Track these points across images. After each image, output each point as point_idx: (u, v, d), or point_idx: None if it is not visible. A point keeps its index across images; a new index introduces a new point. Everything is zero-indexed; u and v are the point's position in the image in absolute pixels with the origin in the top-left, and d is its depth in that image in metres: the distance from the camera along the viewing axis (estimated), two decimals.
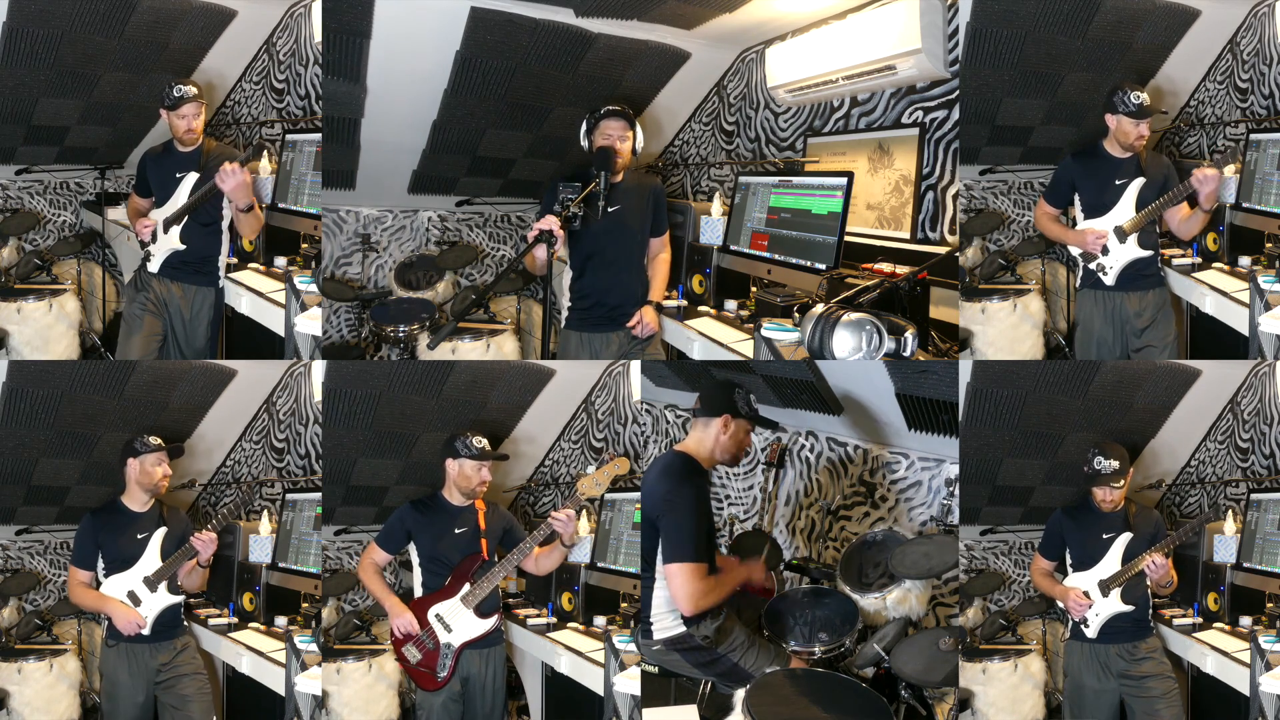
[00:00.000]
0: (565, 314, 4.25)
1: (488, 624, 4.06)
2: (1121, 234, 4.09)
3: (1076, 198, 4.20)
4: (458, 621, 4.03)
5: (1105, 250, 4.12)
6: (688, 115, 5.22)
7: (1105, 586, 3.99)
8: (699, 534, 3.44)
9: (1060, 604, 4.13)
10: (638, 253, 4.20)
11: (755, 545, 4.09)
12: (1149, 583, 4.00)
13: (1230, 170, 4.22)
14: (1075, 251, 4.21)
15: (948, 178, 4.20)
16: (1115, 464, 3.98)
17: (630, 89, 4.90)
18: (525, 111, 4.90)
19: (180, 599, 4.15)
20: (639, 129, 4.16)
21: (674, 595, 3.45)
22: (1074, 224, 4.24)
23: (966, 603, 4.46)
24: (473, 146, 5.10)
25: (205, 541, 4.06)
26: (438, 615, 4.04)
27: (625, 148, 4.08)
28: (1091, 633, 4.02)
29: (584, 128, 4.15)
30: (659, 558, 3.50)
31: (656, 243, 4.26)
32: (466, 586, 4.04)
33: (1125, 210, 4.09)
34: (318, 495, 4.49)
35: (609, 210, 3.97)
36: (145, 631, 4.10)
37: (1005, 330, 4.51)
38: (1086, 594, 4.02)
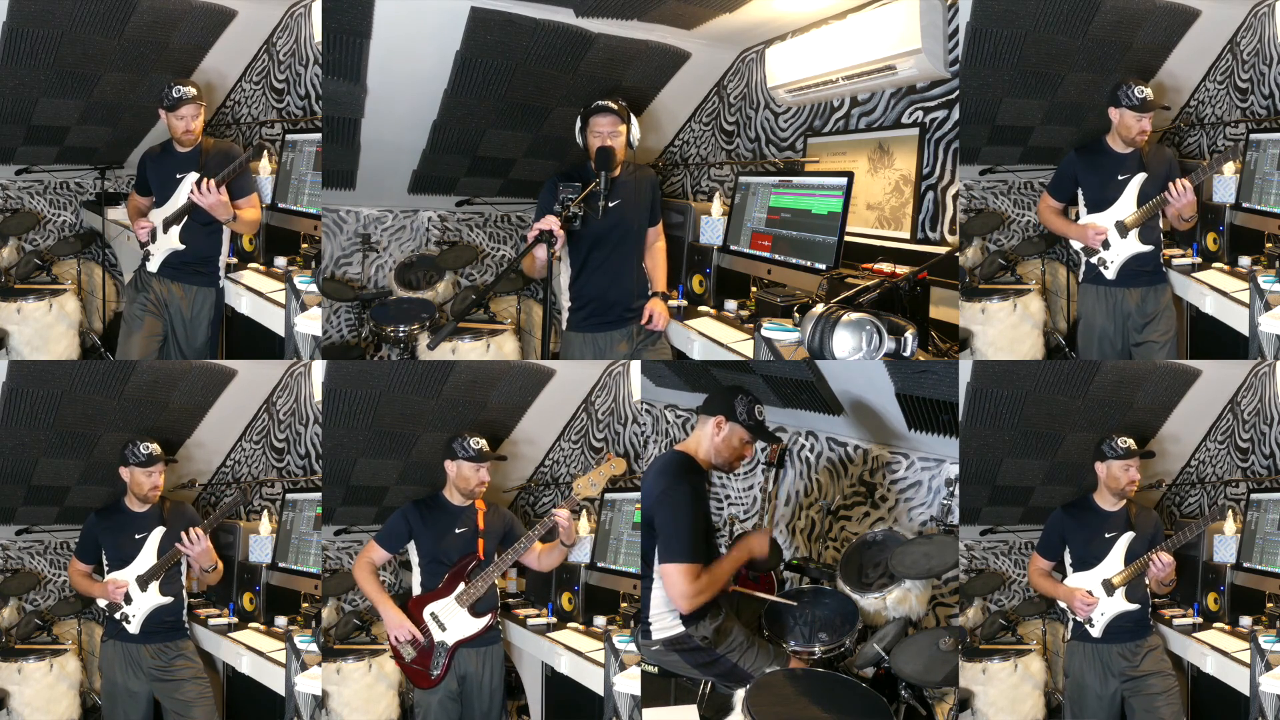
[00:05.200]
0: (565, 315, 4.24)
1: (482, 623, 4.06)
2: (1123, 229, 4.09)
3: (1080, 192, 4.20)
4: (452, 620, 4.04)
5: (1106, 245, 4.12)
6: (688, 115, 5.22)
7: (1110, 586, 3.99)
8: (693, 532, 3.43)
9: (1063, 605, 4.12)
10: (637, 248, 4.20)
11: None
12: (1151, 582, 4.00)
13: (1230, 169, 4.23)
14: (1077, 246, 4.21)
15: (948, 178, 4.20)
16: (1132, 442, 4.01)
17: (630, 89, 4.89)
18: (525, 111, 4.90)
19: (172, 600, 4.15)
20: (634, 123, 4.15)
21: (670, 596, 3.45)
22: (1077, 219, 4.24)
23: (966, 603, 4.45)
24: (473, 146, 5.10)
25: (191, 540, 4.06)
26: (433, 614, 4.05)
27: (619, 143, 4.06)
28: (1097, 632, 4.02)
29: (578, 125, 4.14)
30: (655, 556, 3.49)
31: (653, 232, 4.26)
32: (461, 585, 4.04)
33: (1127, 205, 4.10)
34: (318, 495, 4.49)
35: (608, 207, 3.97)
36: (133, 630, 4.11)
37: (1005, 330, 4.51)
38: (1090, 593, 4.02)
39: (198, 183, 4.08)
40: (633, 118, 4.15)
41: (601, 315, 4.16)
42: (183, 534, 4.08)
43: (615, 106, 4.07)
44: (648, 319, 4.13)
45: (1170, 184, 3.97)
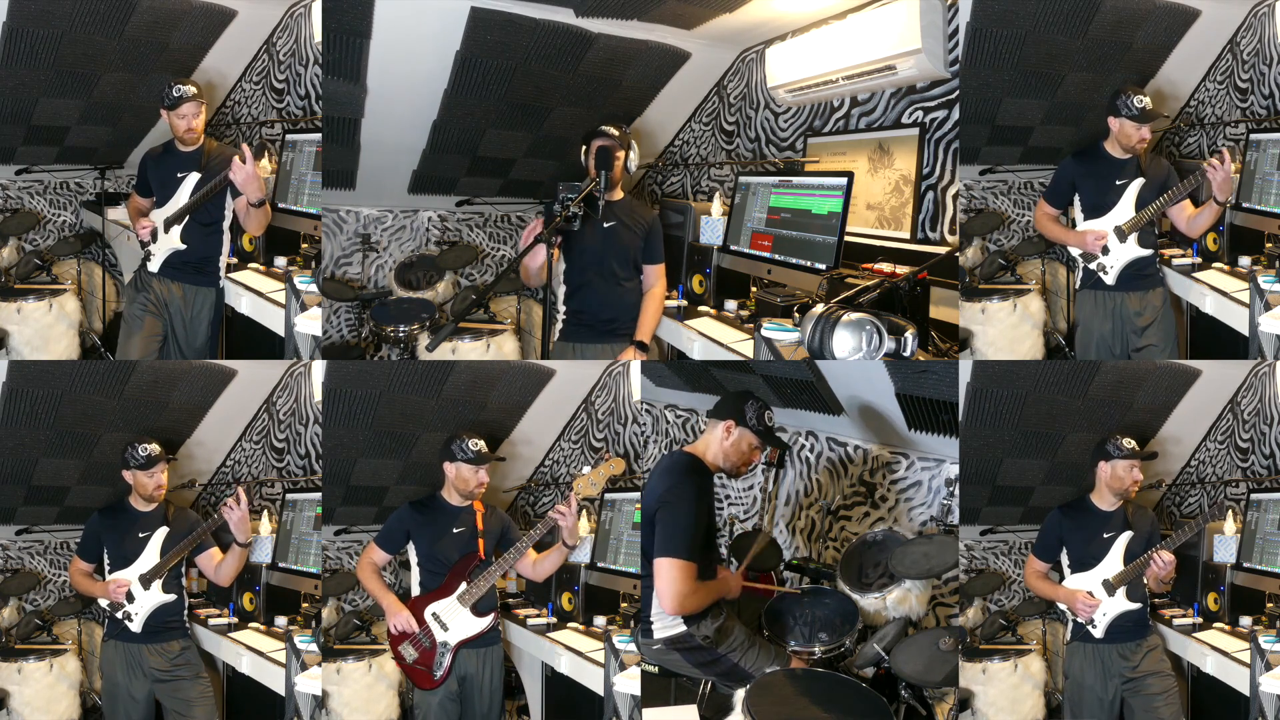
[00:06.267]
0: (560, 326, 4.24)
1: (484, 623, 4.06)
2: (1121, 234, 4.09)
3: (1076, 198, 4.21)
4: (454, 620, 4.04)
5: (1105, 250, 4.12)
6: (688, 115, 5.22)
7: (1111, 586, 3.99)
8: (694, 532, 3.42)
9: (1064, 606, 4.12)
10: (630, 274, 4.19)
11: (750, 545, 4.09)
12: (1151, 581, 3.99)
13: (1230, 169, 4.22)
14: (1075, 252, 4.21)
15: (948, 178, 4.20)
16: (1134, 443, 4.00)
17: (630, 89, 4.90)
18: (525, 111, 4.90)
19: (173, 598, 4.15)
20: (633, 148, 4.17)
21: (659, 590, 3.42)
22: (1074, 224, 4.24)
23: (966, 603, 4.46)
24: (473, 146, 5.10)
25: (232, 507, 4.04)
26: (434, 614, 4.05)
27: (617, 165, 4.09)
28: (1099, 633, 4.01)
29: (583, 150, 4.16)
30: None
31: (651, 271, 4.22)
32: (463, 585, 4.04)
33: (1125, 210, 4.10)
34: (318, 495, 4.49)
35: (604, 226, 3.99)
36: (135, 628, 4.11)
37: (1005, 330, 4.51)
38: (1092, 595, 4.02)
39: (215, 174, 4.04)
40: (633, 144, 4.17)
41: (593, 330, 4.18)
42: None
43: (615, 132, 4.10)
44: None
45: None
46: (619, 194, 4.20)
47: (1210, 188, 3.92)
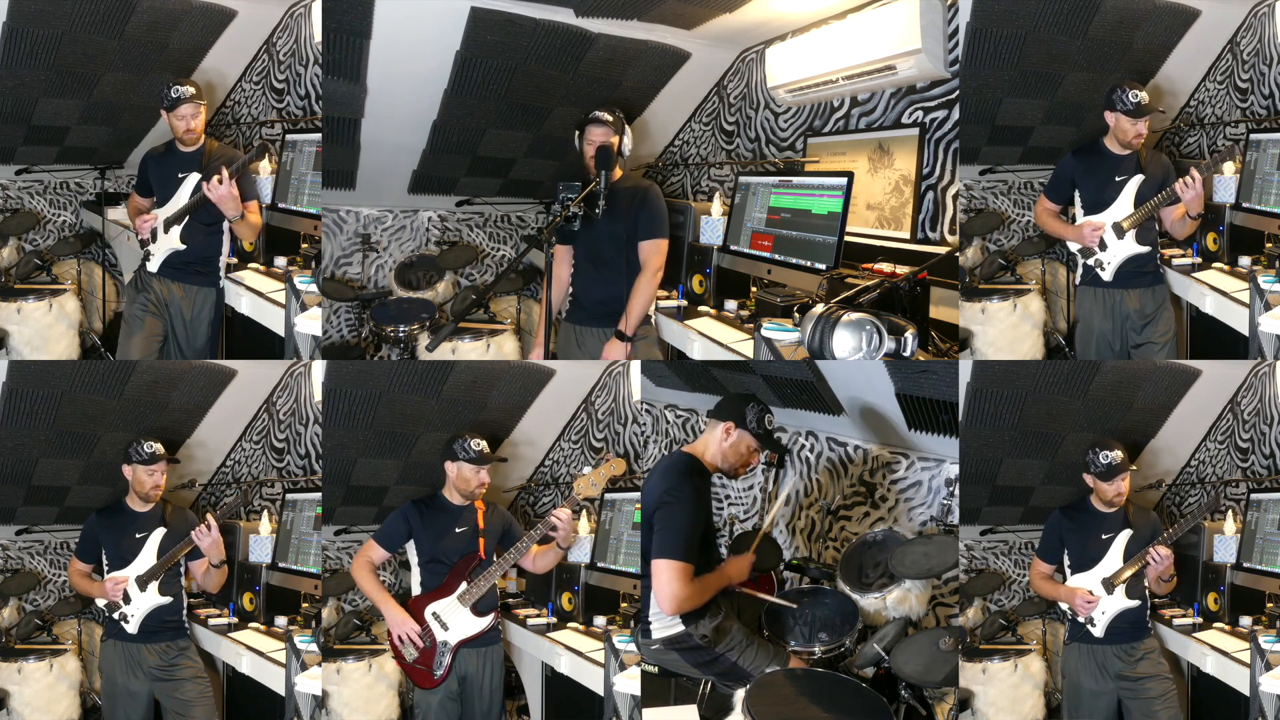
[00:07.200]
0: (565, 309, 4.26)
1: (484, 622, 4.06)
2: (1119, 230, 4.09)
3: (1076, 194, 4.21)
4: (454, 620, 4.04)
5: (1103, 245, 4.13)
6: (688, 115, 5.22)
7: (1109, 584, 3.99)
8: (691, 533, 3.42)
9: (1064, 606, 4.11)
10: (627, 254, 4.18)
11: (749, 545, 4.09)
12: (1151, 579, 3.99)
13: (1230, 169, 4.23)
14: (1074, 247, 4.22)
15: (948, 178, 4.20)
16: (1120, 454, 3.98)
17: (630, 89, 4.90)
18: (525, 111, 4.90)
19: (171, 600, 4.15)
20: (627, 132, 4.16)
21: (656, 592, 3.42)
22: (1074, 221, 4.24)
23: (966, 603, 4.46)
24: (473, 146, 5.10)
25: (202, 533, 4.06)
26: (434, 613, 4.05)
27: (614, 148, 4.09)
28: (1099, 632, 4.01)
29: (576, 135, 4.16)
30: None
31: (644, 248, 4.11)
32: (464, 585, 4.04)
33: (1124, 207, 4.10)
34: (318, 495, 4.49)
35: (601, 215, 3.98)
36: (132, 629, 4.11)
37: (1005, 330, 4.51)
38: (1091, 593, 4.02)
39: (213, 175, 4.06)
40: (627, 128, 4.16)
41: (587, 312, 4.20)
42: (194, 533, 4.07)
43: (609, 117, 4.10)
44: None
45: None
46: (615, 173, 4.17)
47: (1176, 213, 3.98)
